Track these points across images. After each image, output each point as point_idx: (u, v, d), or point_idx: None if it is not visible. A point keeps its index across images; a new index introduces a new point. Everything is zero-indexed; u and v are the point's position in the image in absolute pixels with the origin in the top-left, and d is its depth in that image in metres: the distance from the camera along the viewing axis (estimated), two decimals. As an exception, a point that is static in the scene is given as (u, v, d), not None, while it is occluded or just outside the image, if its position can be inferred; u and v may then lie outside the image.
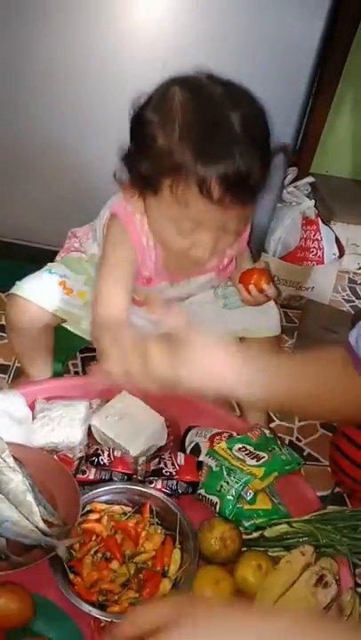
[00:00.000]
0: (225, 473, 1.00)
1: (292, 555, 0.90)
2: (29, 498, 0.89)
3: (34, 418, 1.10)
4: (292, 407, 0.89)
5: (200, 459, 1.06)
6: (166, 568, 0.89)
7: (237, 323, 1.19)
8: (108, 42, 1.31)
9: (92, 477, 0.99)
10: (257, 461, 1.03)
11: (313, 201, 1.83)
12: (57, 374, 1.29)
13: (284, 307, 1.79)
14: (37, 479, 0.93)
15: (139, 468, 1.03)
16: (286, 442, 1.33)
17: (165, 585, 0.87)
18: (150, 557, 0.90)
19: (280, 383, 0.84)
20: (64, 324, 1.18)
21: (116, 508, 0.96)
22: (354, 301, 1.98)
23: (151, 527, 0.94)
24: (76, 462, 1.02)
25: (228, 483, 0.98)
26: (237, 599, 0.88)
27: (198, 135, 0.84)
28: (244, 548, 0.94)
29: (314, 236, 1.83)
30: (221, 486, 0.99)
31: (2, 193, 1.53)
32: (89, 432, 1.11)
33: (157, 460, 1.04)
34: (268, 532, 0.96)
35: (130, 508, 0.96)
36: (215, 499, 0.98)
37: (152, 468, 1.03)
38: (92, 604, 0.82)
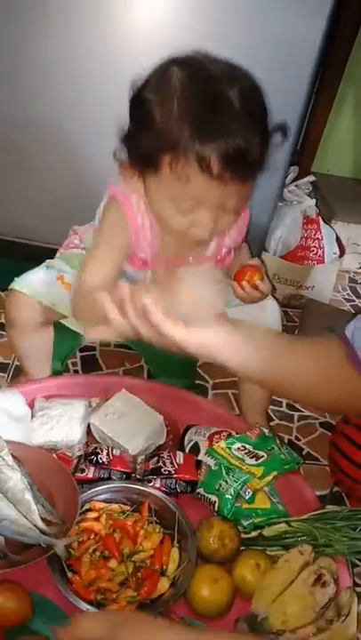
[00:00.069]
0: (224, 472, 1.00)
1: (290, 554, 0.90)
2: (28, 496, 0.89)
3: (33, 416, 1.10)
4: (284, 388, 0.89)
5: (199, 458, 1.06)
6: (165, 567, 0.89)
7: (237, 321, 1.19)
8: (108, 42, 1.31)
9: (90, 476, 0.99)
10: (256, 460, 1.04)
11: (314, 200, 1.83)
12: (56, 373, 1.29)
13: (284, 306, 1.79)
14: (36, 477, 0.94)
15: (137, 466, 1.03)
16: (285, 441, 1.32)
17: (164, 584, 0.87)
18: (149, 556, 0.90)
19: (276, 361, 0.84)
20: (63, 321, 1.18)
21: (115, 506, 0.96)
22: (354, 301, 1.98)
23: (150, 526, 0.94)
24: (75, 461, 1.02)
25: (226, 482, 0.99)
26: (235, 598, 0.89)
27: (198, 111, 0.84)
28: (243, 547, 0.94)
29: (315, 235, 1.82)
30: (220, 485, 0.99)
31: (2, 192, 1.53)
32: (88, 431, 1.11)
33: (156, 458, 1.04)
34: (266, 532, 0.96)
35: (128, 507, 0.96)
36: (214, 498, 0.99)
37: (151, 466, 1.03)
38: (90, 603, 0.83)
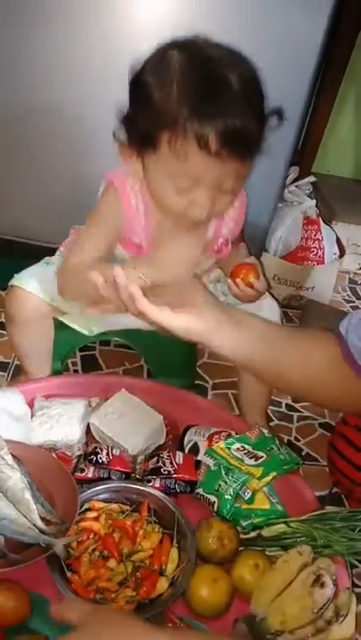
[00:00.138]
0: (223, 472, 1.00)
1: (289, 554, 0.90)
2: (27, 496, 0.89)
3: (33, 416, 1.10)
4: (283, 381, 0.89)
5: (198, 458, 1.06)
6: (164, 567, 0.89)
7: None
8: (108, 42, 1.31)
9: (90, 476, 0.99)
10: (255, 461, 1.04)
11: (314, 200, 1.83)
12: (56, 372, 1.29)
13: (284, 307, 1.79)
14: (36, 477, 0.94)
15: (137, 466, 1.03)
16: (285, 441, 1.32)
17: (163, 583, 0.87)
18: (148, 556, 0.90)
19: (275, 352, 0.85)
20: (63, 319, 1.18)
21: (114, 506, 0.96)
22: (354, 301, 1.98)
23: (149, 526, 0.94)
24: (75, 460, 1.02)
25: (226, 482, 0.99)
26: (234, 598, 0.89)
27: (197, 92, 0.86)
28: (242, 548, 0.94)
29: (315, 235, 1.82)
30: (219, 485, 0.99)
31: (2, 191, 1.53)
32: (88, 430, 1.11)
33: (156, 458, 1.04)
34: (265, 532, 0.96)
35: (128, 507, 0.96)
36: (213, 498, 0.99)
37: (150, 466, 1.03)
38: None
